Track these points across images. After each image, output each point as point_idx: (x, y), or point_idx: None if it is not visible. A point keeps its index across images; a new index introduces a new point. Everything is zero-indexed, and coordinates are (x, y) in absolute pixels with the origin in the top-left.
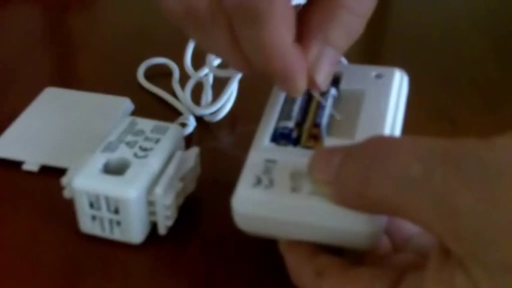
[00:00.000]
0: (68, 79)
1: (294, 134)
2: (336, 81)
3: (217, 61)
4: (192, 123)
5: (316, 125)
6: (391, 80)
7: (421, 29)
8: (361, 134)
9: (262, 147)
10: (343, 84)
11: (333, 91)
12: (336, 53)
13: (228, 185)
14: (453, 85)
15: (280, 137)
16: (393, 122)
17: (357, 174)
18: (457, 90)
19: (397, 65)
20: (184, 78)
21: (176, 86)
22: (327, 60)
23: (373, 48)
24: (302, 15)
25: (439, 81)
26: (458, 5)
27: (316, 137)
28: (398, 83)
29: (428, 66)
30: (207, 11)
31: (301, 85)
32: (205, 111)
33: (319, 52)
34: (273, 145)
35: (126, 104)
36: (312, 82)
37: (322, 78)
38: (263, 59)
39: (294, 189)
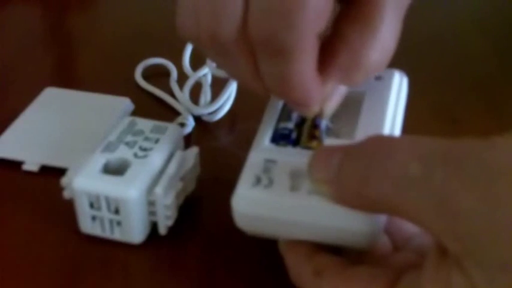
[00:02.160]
0: (68, 79)
1: (294, 135)
2: None
3: None
4: (190, 123)
5: (316, 125)
6: (390, 82)
7: (422, 28)
8: (361, 135)
9: (262, 147)
10: None
11: None
12: (347, 89)
13: (228, 184)
14: (455, 85)
15: (280, 137)
16: (392, 124)
17: (356, 173)
18: (459, 89)
19: (397, 64)
20: (182, 78)
21: (174, 86)
22: (338, 94)
23: None
24: (326, 43)
25: (441, 81)
26: (459, 5)
27: (315, 138)
28: (398, 85)
29: (429, 65)
30: (230, 39)
31: (315, 110)
32: (204, 110)
33: (333, 88)
34: (272, 145)
35: (126, 104)
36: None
37: (330, 110)
38: (284, 90)
39: (293, 188)
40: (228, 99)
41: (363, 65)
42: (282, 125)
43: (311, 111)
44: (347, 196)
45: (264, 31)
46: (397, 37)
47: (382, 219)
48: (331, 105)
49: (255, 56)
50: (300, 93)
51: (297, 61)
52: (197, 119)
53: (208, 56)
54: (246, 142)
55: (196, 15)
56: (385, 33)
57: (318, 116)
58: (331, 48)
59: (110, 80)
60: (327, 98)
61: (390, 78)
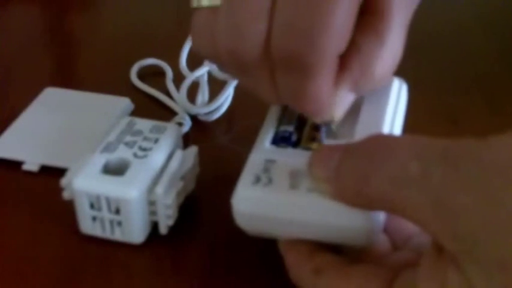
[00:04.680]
0: (68, 79)
1: (294, 137)
2: None
3: None
4: (187, 123)
5: (316, 128)
6: (389, 89)
7: (423, 26)
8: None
9: (262, 149)
10: None
11: None
12: (356, 96)
13: (228, 183)
14: (456, 85)
15: (281, 140)
16: (390, 131)
17: (355, 171)
18: (460, 90)
19: (399, 64)
20: (178, 79)
21: (170, 86)
22: (347, 101)
23: None
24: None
25: (442, 81)
26: (462, 4)
27: (315, 140)
28: (397, 92)
29: (431, 66)
30: (253, 57)
31: (326, 118)
32: (201, 110)
33: (343, 95)
34: (273, 147)
35: (125, 104)
36: None
37: (338, 116)
38: (299, 103)
39: (293, 186)
40: (225, 100)
41: (372, 74)
42: (283, 127)
43: (321, 119)
44: (346, 194)
45: (286, 49)
46: (403, 45)
47: (381, 216)
48: (340, 112)
49: (274, 70)
50: (315, 106)
51: (316, 79)
52: (194, 118)
53: (224, 71)
54: (244, 140)
55: (213, 34)
56: (393, 43)
57: (328, 122)
58: (344, 58)
59: (109, 80)
60: (336, 105)
61: (388, 86)
